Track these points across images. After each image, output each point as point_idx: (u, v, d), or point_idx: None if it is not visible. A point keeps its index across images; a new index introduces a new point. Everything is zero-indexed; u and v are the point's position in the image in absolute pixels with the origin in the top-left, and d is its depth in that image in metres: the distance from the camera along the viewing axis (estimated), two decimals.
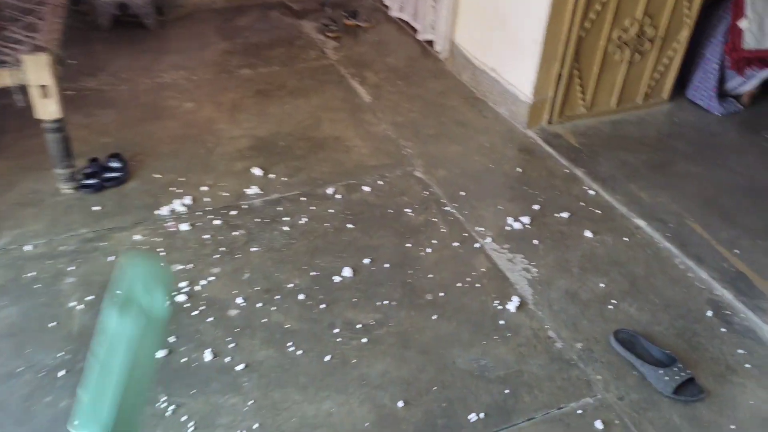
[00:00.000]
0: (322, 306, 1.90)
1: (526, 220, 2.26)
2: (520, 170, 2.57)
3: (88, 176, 2.39)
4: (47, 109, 2.20)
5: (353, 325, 1.83)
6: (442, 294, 1.94)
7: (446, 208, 2.33)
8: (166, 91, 3.13)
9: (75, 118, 2.78)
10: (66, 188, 2.37)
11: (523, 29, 2.75)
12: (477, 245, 2.15)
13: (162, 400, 1.61)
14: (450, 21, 3.33)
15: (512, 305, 1.89)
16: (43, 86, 2.15)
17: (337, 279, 2.00)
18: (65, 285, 1.95)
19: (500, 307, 1.89)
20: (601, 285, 1.97)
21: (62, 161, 2.33)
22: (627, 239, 2.17)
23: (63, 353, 1.73)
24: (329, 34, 3.83)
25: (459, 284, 1.98)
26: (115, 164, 2.46)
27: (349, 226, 2.24)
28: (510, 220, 2.26)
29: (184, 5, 4.12)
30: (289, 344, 1.77)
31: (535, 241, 2.16)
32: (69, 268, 2.02)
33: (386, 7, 4.16)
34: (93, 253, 2.08)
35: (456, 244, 2.15)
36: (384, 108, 3.04)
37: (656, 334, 1.80)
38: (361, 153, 2.68)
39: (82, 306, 1.88)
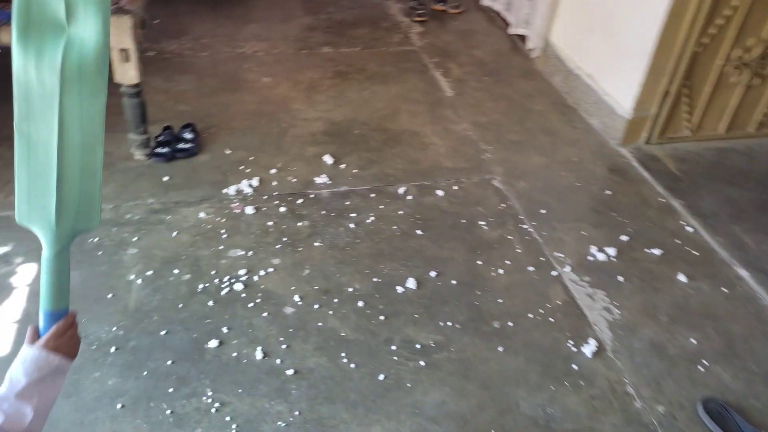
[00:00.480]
0: (381, 318, 1.79)
1: (611, 251, 2.06)
2: (609, 193, 2.36)
3: (160, 144, 2.35)
4: (126, 73, 2.15)
5: (412, 344, 1.72)
6: (510, 323, 1.79)
7: (524, 226, 2.16)
8: (246, 63, 3.06)
9: (154, 82, 2.75)
10: (138, 154, 2.34)
11: (632, 36, 2.51)
12: (554, 273, 1.98)
13: (208, 394, 1.55)
14: (547, 17, 3.10)
15: (588, 349, 1.72)
16: (123, 50, 2.10)
17: (399, 289, 1.88)
18: (126, 256, 1.92)
19: (575, 349, 1.73)
20: (693, 341, 1.77)
21: (137, 127, 2.29)
22: (726, 290, 1.94)
23: (116, 328, 1.69)
24: (416, 18, 3.66)
25: (530, 315, 1.82)
26: (188, 135, 2.41)
27: (418, 232, 2.11)
28: (593, 249, 2.07)
29: None
30: (342, 355, 1.67)
31: (620, 278, 1.97)
32: (132, 239, 1.98)
33: None
34: (157, 226, 2.04)
35: (531, 268, 1.99)
36: (466, 105, 2.87)
37: (752, 409, 1.60)
38: (438, 152, 2.53)
39: (140, 281, 1.84)
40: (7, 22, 2.04)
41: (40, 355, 0.85)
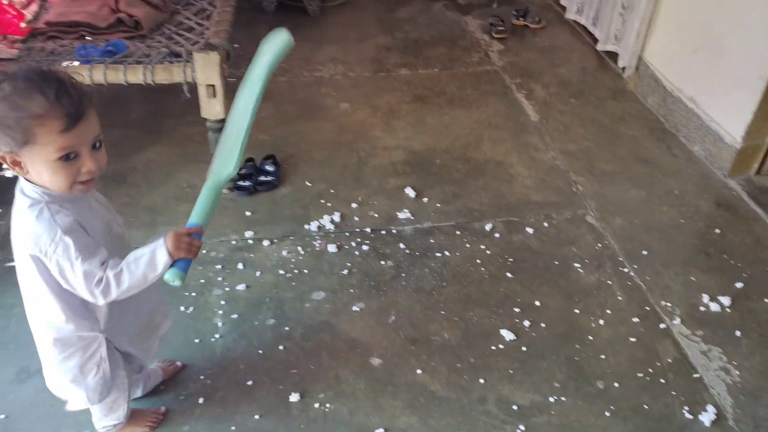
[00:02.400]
0: (473, 372, 1.68)
1: (725, 300, 1.87)
2: (718, 231, 2.16)
3: (242, 177, 2.34)
4: (213, 109, 2.15)
5: (508, 404, 1.60)
6: (616, 384, 1.65)
7: (624, 269, 2.00)
8: (323, 87, 3.03)
9: None
10: None
11: (745, 58, 2.29)
12: (662, 326, 1.81)
13: None
14: (641, 34, 2.90)
15: (706, 417, 1.55)
16: (210, 86, 2.10)
17: (492, 340, 1.77)
18: (212, 297, 1.90)
19: (690, 417, 1.56)
20: None
21: None
22: None
23: (203, 377, 1.67)
24: (495, 35, 3.53)
25: (638, 374, 1.67)
26: (269, 167, 2.38)
27: (508, 275, 1.99)
28: (705, 297, 1.89)
29: None
30: (434, 415, 1.58)
31: (738, 333, 1.78)
32: (217, 278, 1.96)
33: (562, 7, 3.76)
34: (240, 264, 2.01)
35: (636, 319, 1.83)
36: (553, 131, 2.72)
37: None
38: (524, 184, 2.39)
39: (226, 325, 1.81)
40: (100, 60, 2.07)
41: (158, 240, 1.13)
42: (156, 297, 1.42)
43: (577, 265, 2.02)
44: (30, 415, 1.55)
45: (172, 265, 1.12)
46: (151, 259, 1.11)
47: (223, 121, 2.20)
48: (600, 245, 2.10)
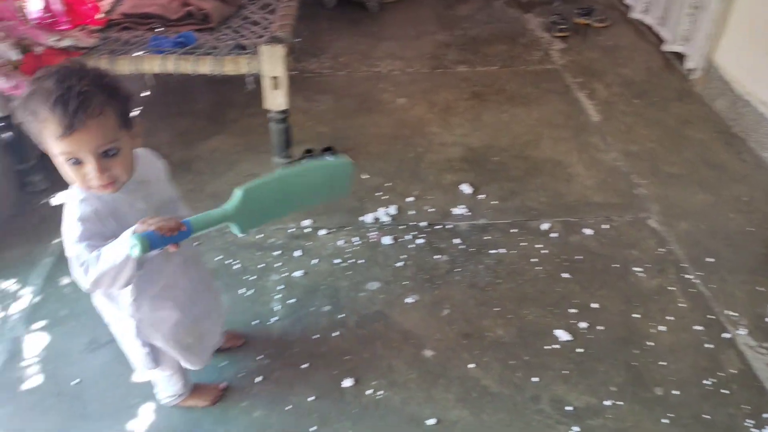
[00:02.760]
0: (527, 370, 1.67)
1: None
2: None
3: None
4: (275, 100, 2.20)
5: (562, 404, 1.58)
6: (676, 392, 1.60)
7: (687, 276, 1.94)
8: (381, 83, 3.05)
9: (295, 102, 2.79)
10: None
11: None
12: (726, 335, 1.75)
13: None
14: (712, 34, 2.79)
15: None
16: (274, 77, 2.15)
17: (546, 340, 1.75)
18: (270, 282, 1.95)
19: (755, 431, 1.51)
20: None
21: (281, 151, 2.34)
22: None
23: (261, 357, 1.71)
24: (557, 33, 3.47)
25: (699, 383, 1.62)
26: (328, 159, 2.42)
27: (564, 275, 1.96)
28: None
29: None
30: (486, 410, 1.58)
31: None
32: (275, 264, 2.01)
33: (626, 6, 3.67)
34: (298, 252, 2.05)
35: (698, 327, 1.77)
36: (615, 131, 2.66)
37: None
38: (584, 185, 2.35)
39: (283, 309, 1.86)
40: (171, 51, 2.15)
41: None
42: (206, 304, 1.42)
43: (637, 269, 1.97)
44: (100, 382, 1.63)
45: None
46: (122, 237, 1.05)
47: (285, 112, 2.26)
48: (663, 250, 2.04)
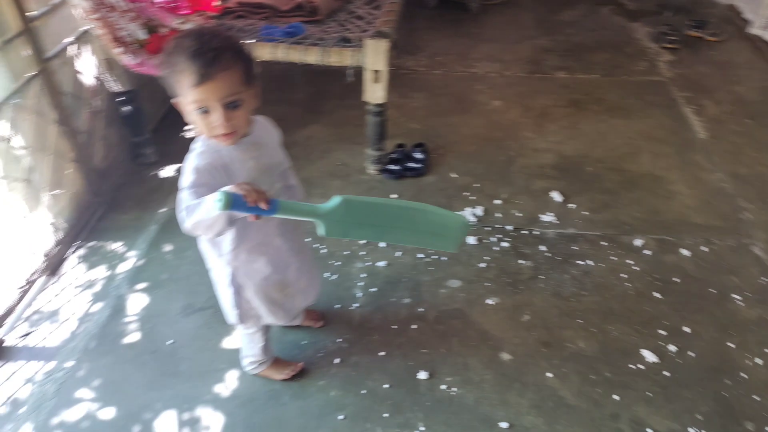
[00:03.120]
0: (608, 387, 1.62)
1: None
2: None
3: (392, 161, 2.43)
4: (375, 93, 2.25)
5: (642, 426, 1.53)
6: None
7: None
8: (477, 84, 3.04)
9: (390, 97, 2.83)
10: (371, 169, 2.44)
11: None
12: None
13: (420, 429, 1.54)
14: None
15: None
16: (376, 71, 2.19)
17: (631, 359, 1.69)
18: (354, 269, 2.00)
19: None
20: None
21: (375, 143, 2.39)
22: None
23: (341, 340, 1.77)
24: (665, 45, 3.32)
25: None
26: (418, 155, 2.45)
27: (656, 294, 1.88)
28: None
29: None
30: (561, 421, 1.55)
31: None
32: (360, 253, 2.06)
33: (744, 21, 3.45)
34: (383, 243, 2.09)
35: None
36: (722, 151, 2.52)
37: None
38: (684, 204, 2.24)
39: (364, 296, 1.90)
40: (282, 39, 2.25)
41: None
42: (297, 268, 1.47)
43: (736, 296, 1.87)
44: (192, 345, 1.74)
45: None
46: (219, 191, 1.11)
47: (383, 105, 2.30)
48: (766, 280, 1.92)
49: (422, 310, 1.85)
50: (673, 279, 1.93)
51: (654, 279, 1.94)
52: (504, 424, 1.54)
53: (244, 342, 1.61)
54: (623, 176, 2.39)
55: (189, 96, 1.14)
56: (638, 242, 2.07)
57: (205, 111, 1.16)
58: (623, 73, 3.10)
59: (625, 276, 1.95)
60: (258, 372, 1.65)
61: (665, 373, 1.65)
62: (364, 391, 1.62)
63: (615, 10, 3.77)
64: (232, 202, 1.06)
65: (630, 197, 2.28)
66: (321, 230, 1.16)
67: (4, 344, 1.78)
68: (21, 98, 1.89)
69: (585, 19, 3.68)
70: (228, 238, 1.33)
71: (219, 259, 1.38)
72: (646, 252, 2.04)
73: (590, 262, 2.01)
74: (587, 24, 3.61)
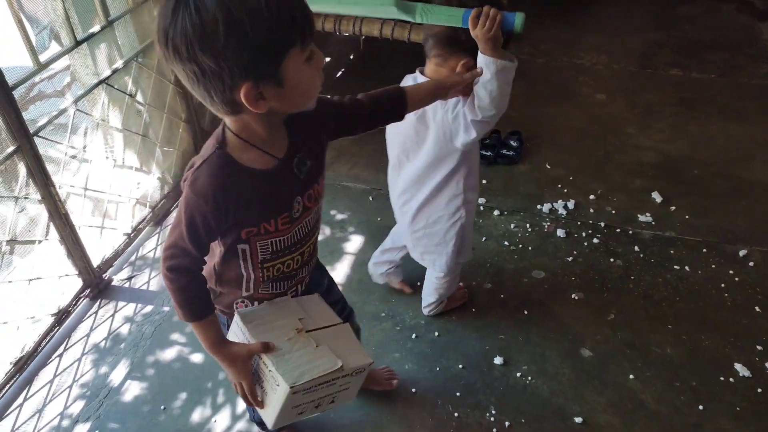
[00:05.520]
0: (693, 396, 1.55)
1: None
2: None
3: (485, 147, 2.41)
4: None
5: None
6: None
7: None
8: (581, 75, 2.95)
9: None
10: None
11: None
12: None
13: (491, 412, 1.54)
14: None
15: None
16: None
17: (721, 371, 1.61)
18: None
19: None
20: None
21: None
22: None
23: (419, 317, 1.79)
24: None
25: None
26: (513, 143, 2.42)
27: (757, 308, 1.77)
28: None
29: None
30: (638, 423, 1.50)
31: None
32: None
33: None
34: None
35: None
36: None
37: None
38: None
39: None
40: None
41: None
42: (425, 196, 1.47)
43: None
44: None
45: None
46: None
47: None
48: None
49: (503, 297, 1.84)
50: None
51: (756, 292, 1.82)
52: (578, 419, 1.52)
53: (442, 288, 1.68)
54: (731, 182, 2.25)
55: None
56: (742, 252, 1.95)
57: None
58: (742, 75, 2.89)
59: (724, 286, 1.85)
60: (440, 311, 1.77)
61: (758, 389, 1.56)
62: (438, 369, 1.64)
63: (739, 7, 3.51)
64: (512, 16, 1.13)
65: (737, 205, 2.14)
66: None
67: (113, 283, 1.95)
68: (144, 58, 2.04)
69: (704, 15, 3.45)
70: (471, 176, 1.43)
71: (455, 201, 1.45)
72: (750, 263, 1.92)
73: (687, 268, 1.91)
74: (706, 21, 3.39)
